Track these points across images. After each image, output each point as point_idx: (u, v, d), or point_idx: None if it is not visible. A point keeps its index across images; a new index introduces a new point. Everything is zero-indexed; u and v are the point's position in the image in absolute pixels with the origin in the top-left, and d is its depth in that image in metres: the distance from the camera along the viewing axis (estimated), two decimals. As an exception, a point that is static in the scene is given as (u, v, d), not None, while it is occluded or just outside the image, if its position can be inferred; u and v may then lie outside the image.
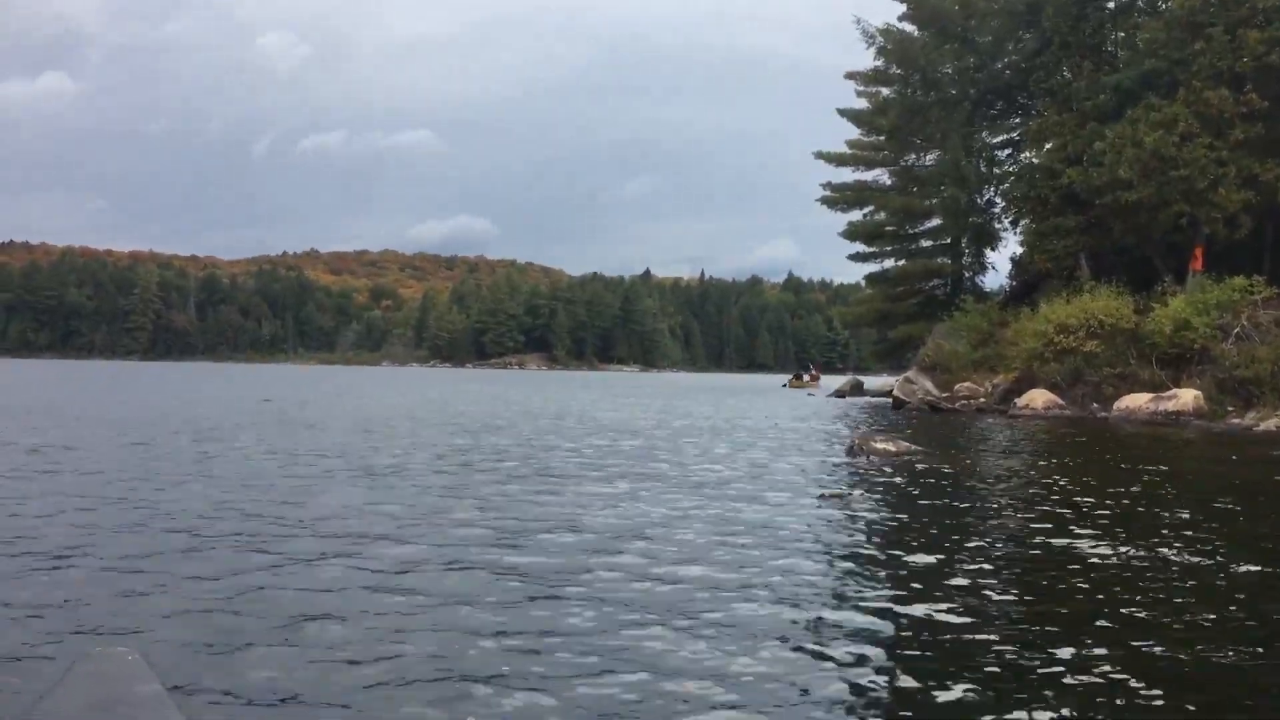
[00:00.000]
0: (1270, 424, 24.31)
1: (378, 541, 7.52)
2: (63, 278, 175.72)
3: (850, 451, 15.15)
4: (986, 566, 7.13)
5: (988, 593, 6.28)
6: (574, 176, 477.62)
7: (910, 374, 35.47)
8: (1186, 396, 26.60)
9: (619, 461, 13.97)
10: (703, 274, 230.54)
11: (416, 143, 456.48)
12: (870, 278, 47.09)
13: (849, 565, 7.06)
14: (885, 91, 42.08)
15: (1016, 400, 30.61)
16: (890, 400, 35.31)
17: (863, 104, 43.51)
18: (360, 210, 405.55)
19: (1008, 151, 41.52)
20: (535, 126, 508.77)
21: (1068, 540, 8.15)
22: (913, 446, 15.76)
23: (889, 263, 45.44)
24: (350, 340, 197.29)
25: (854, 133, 45.16)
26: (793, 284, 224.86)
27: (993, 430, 23.84)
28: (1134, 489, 11.88)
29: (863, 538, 8.28)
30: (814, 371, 75.53)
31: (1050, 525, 9.01)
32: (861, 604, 5.91)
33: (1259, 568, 7.19)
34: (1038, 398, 29.66)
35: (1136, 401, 27.61)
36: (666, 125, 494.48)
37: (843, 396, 45.71)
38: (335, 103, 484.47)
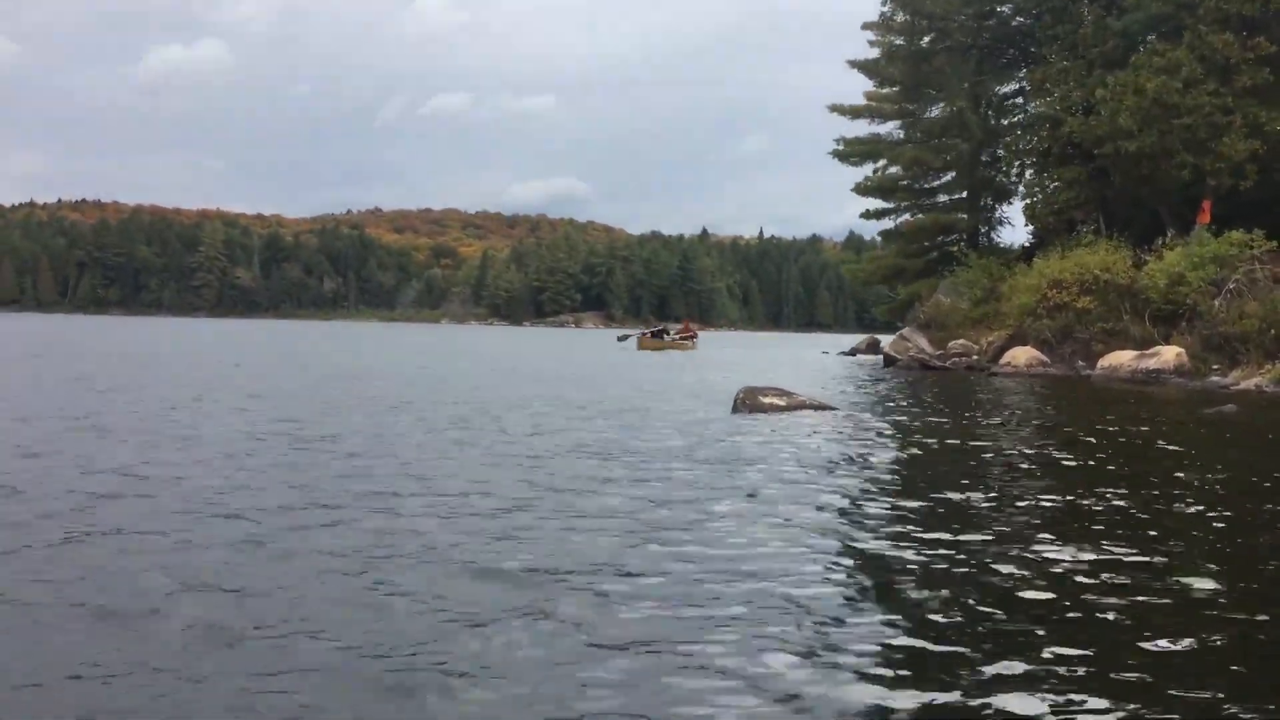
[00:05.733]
0: (1250, 383, 23.32)
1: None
2: (131, 235, 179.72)
3: (735, 407, 14.75)
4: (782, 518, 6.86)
5: (787, 543, 6.11)
6: (680, 138, 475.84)
7: (905, 331, 34.73)
8: (1168, 354, 25.64)
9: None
10: (761, 232, 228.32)
11: (539, 108, 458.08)
12: (885, 233, 46.03)
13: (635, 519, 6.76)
14: (898, 41, 40.82)
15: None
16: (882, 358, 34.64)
17: (876, 54, 42.32)
18: (462, 171, 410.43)
19: (1019, 101, 40.16)
20: (654, 89, 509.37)
21: (897, 495, 7.83)
22: (809, 401, 15.32)
23: (905, 218, 44.31)
24: (410, 298, 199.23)
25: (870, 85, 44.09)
26: (853, 242, 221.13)
27: (955, 388, 23.21)
28: (1020, 441, 11.42)
29: (644, 493, 7.95)
30: (677, 330, 51.04)
31: (901, 479, 8.86)
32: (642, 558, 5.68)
33: (1122, 504, 7.57)
34: (1020, 355, 28.84)
35: (1120, 359, 26.69)
36: (781, 86, 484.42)
37: (854, 355, 45.00)
38: (473, 66, 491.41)
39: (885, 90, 43.51)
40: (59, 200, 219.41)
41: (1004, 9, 37.59)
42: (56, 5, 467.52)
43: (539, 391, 18.19)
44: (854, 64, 42.63)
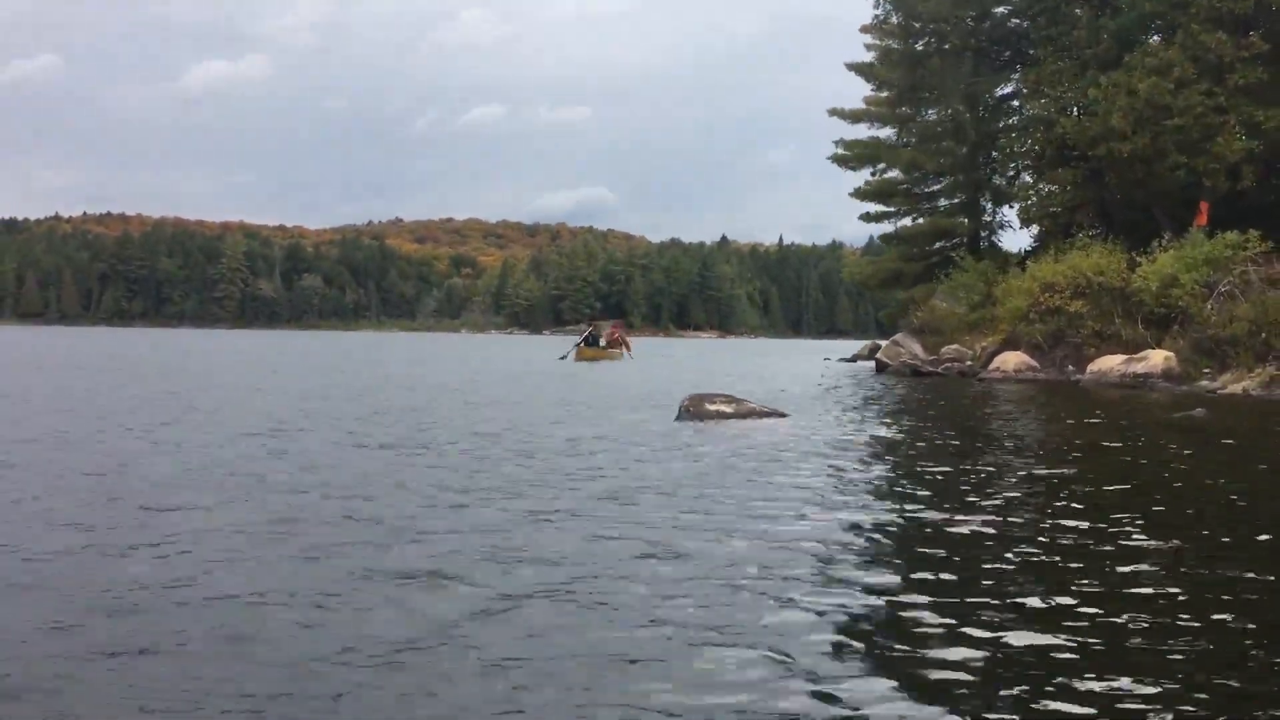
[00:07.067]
0: (1237, 386, 22.81)
1: None
2: (153, 248, 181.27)
3: (679, 415, 14.49)
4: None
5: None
6: (708, 146, 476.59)
7: (899, 336, 34.37)
8: (1156, 358, 25.16)
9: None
10: (781, 239, 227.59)
11: (574, 118, 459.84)
12: (884, 238, 45.67)
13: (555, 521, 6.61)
14: (894, 44, 40.46)
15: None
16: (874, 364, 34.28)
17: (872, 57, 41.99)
18: (493, 182, 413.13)
19: (1015, 104, 39.68)
20: (686, 98, 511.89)
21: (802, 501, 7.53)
22: (758, 408, 15.05)
23: (905, 222, 43.96)
24: (430, 307, 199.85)
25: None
26: (874, 249, 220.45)
27: (933, 394, 22.84)
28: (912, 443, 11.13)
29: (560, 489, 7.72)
30: (606, 334, 45.75)
31: (827, 482, 8.62)
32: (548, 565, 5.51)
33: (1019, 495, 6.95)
34: (1010, 360, 28.43)
35: (1109, 363, 26.21)
36: (807, 93, 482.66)
37: (855, 361, 44.59)
38: (511, 77, 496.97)
39: (883, 94, 43.18)
40: (84, 214, 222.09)
41: (999, 10, 37.20)
42: (103, 18, 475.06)
43: (494, 395, 18.01)
44: (851, 67, 42.36)
